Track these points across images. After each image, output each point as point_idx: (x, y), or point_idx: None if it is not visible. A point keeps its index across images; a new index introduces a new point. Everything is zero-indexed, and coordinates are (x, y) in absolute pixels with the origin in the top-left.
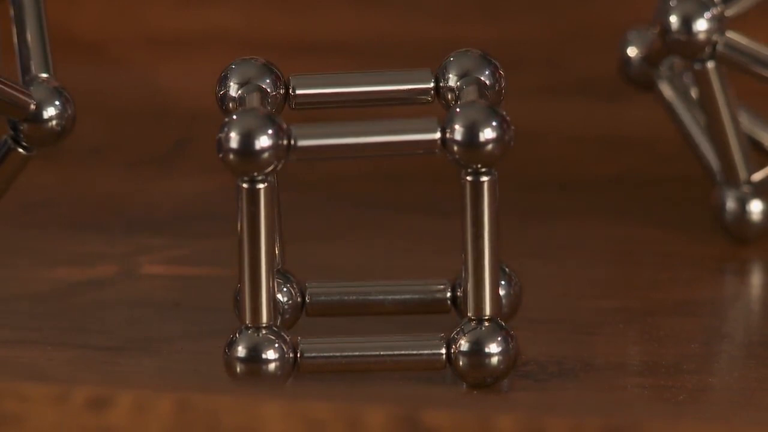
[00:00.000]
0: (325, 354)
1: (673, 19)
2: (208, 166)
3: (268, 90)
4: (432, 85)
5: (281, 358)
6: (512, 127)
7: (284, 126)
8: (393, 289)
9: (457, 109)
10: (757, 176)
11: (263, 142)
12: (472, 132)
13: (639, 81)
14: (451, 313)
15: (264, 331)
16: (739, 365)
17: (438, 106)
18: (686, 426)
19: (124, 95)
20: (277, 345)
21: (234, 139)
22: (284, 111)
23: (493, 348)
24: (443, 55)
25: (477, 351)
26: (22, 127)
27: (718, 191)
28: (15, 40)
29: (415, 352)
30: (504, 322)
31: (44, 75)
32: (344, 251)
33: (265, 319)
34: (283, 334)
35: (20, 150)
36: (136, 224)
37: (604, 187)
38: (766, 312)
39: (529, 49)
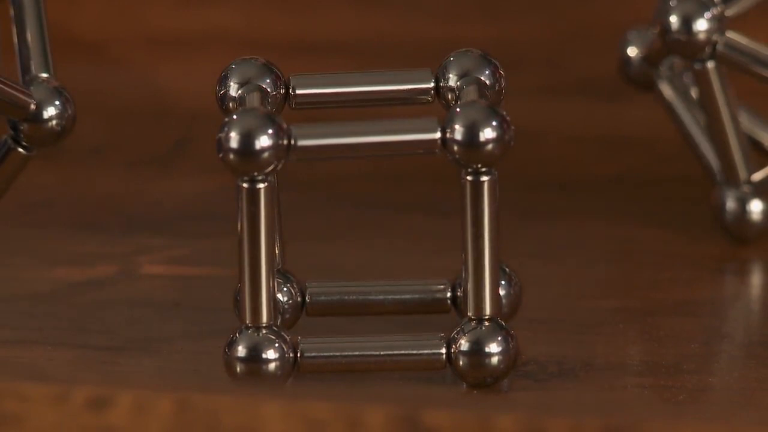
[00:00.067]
0: (325, 354)
1: (673, 19)
2: (208, 166)
3: (268, 90)
4: (432, 85)
5: (281, 358)
6: (512, 127)
7: (284, 126)
8: (393, 289)
9: (457, 109)
10: (757, 176)
11: (263, 142)
12: (472, 132)
13: (639, 81)
14: (451, 313)
15: (264, 331)
16: (739, 365)
17: (438, 106)
18: (686, 426)
19: (124, 95)
20: (277, 345)
21: (234, 139)
22: (284, 111)
23: (493, 348)
24: (443, 55)
25: (477, 351)
26: (22, 127)
27: (718, 191)
28: (15, 40)
29: (415, 352)
30: (504, 322)
31: (44, 75)
32: (344, 251)
33: (265, 319)
34: (283, 334)
35: (20, 150)
36: (136, 224)
37: (604, 187)
38: (766, 312)
39: (529, 49)
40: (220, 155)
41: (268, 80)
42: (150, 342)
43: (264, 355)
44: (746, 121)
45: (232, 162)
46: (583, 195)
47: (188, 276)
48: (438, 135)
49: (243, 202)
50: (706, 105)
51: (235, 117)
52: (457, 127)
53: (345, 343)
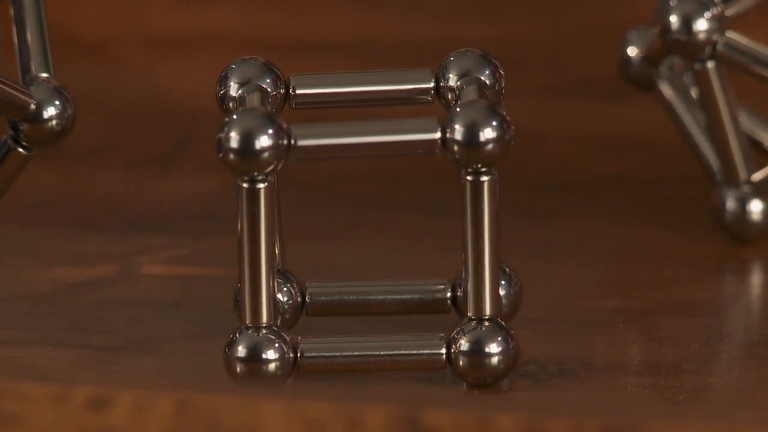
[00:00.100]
0: (325, 354)
1: (673, 19)
2: (208, 166)
3: (268, 90)
4: (432, 85)
5: (281, 358)
6: (512, 127)
7: (284, 126)
8: (393, 289)
9: (457, 109)
10: (757, 176)
11: (263, 141)
12: (472, 132)
13: (639, 81)
14: (451, 313)
15: (264, 331)
16: (739, 365)
17: (438, 106)
18: (686, 426)
19: (124, 95)
20: (277, 345)
21: (234, 139)
22: (284, 111)
23: (493, 348)
24: (443, 55)
25: (477, 351)
26: (22, 127)
27: (718, 191)
28: (15, 40)
29: (415, 352)
30: (504, 322)
31: (44, 75)
32: (344, 251)
33: (265, 319)
34: (283, 334)
35: (20, 150)
36: (136, 224)
37: (604, 187)
38: (766, 312)
39: (529, 49)
40: (220, 155)
41: (268, 80)
42: (150, 342)
43: (264, 355)
44: (746, 121)
45: (232, 162)
46: (583, 195)
47: (188, 276)
48: (438, 135)
49: (243, 202)
50: (706, 105)
51: (235, 117)
52: (457, 127)
53: (345, 343)
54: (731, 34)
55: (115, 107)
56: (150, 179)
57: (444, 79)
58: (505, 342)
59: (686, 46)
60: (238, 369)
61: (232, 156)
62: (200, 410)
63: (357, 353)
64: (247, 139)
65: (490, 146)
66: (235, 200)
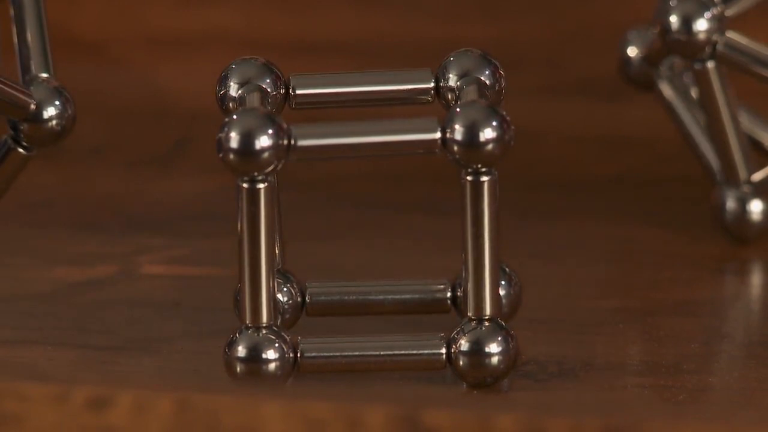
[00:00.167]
0: (325, 354)
1: (673, 19)
2: (208, 166)
3: (268, 90)
4: (432, 85)
5: (281, 358)
6: (512, 127)
7: (284, 126)
8: (393, 289)
9: (457, 109)
10: (757, 176)
11: (263, 141)
12: (472, 132)
13: (639, 81)
14: (451, 313)
15: (264, 331)
16: (739, 365)
17: (438, 106)
18: (686, 426)
19: (124, 95)
20: (277, 345)
21: (234, 139)
22: (284, 111)
23: (493, 348)
24: (443, 55)
25: (477, 351)
26: (22, 127)
27: (718, 191)
28: (15, 39)
29: (415, 352)
30: (504, 321)
31: (44, 75)
32: (344, 251)
33: (265, 319)
34: (283, 333)
35: (20, 150)
36: (136, 224)
37: (604, 187)
38: (766, 312)
39: (529, 49)
40: (220, 155)
41: (268, 80)
42: (150, 342)
43: (264, 355)
44: (746, 121)
45: (232, 162)
46: (583, 195)
47: (188, 276)
48: (438, 135)
49: (243, 202)
50: (706, 105)
51: (235, 117)
52: (457, 127)
53: (345, 343)
54: (731, 34)
55: (115, 107)
56: (150, 179)
57: (444, 79)
58: (505, 342)
59: (686, 46)
60: (238, 369)
61: (232, 156)
62: (200, 410)
63: (357, 353)
64: (247, 139)
65: (490, 146)
66: (235, 200)
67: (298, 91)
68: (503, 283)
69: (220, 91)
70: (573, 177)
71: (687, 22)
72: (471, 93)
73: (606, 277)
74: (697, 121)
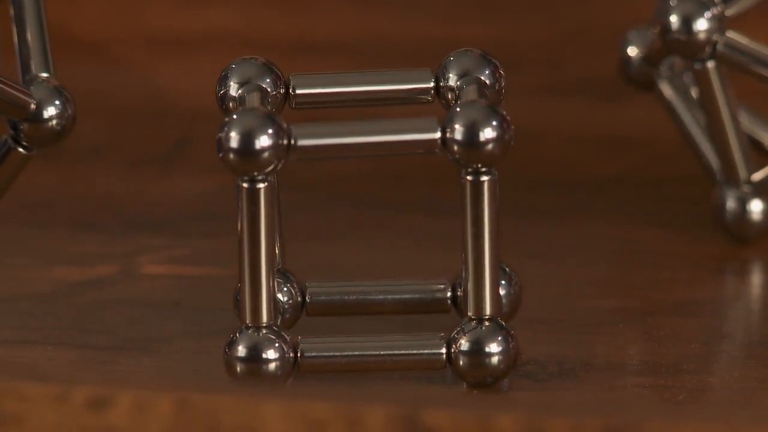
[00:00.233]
0: (325, 354)
1: (673, 19)
2: (208, 166)
3: (268, 90)
4: (432, 84)
5: (281, 358)
6: (512, 127)
7: (284, 126)
8: (393, 288)
9: (457, 109)
10: (757, 176)
11: (263, 141)
12: (472, 132)
13: (639, 81)
14: (451, 312)
15: (264, 331)
16: (739, 365)
17: (438, 106)
18: (686, 426)
19: (124, 95)
20: (277, 345)
21: (234, 139)
22: (284, 111)
23: (494, 348)
24: (443, 55)
25: (477, 351)
26: (22, 127)
27: (718, 191)
28: (15, 39)
29: (415, 351)
30: (504, 321)
31: (44, 74)
32: (344, 251)
33: (265, 318)
34: (283, 333)
35: (20, 150)
36: (136, 224)
37: (604, 187)
38: (766, 312)
39: (529, 49)
40: (220, 155)
41: (268, 80)
42: (150, 342)
43: (264, 355)
44: (746, 121)
45: (232, 162)
46: (583, 195)
47: (188, 276)
48: (438, 135)
49: (243, 202)
50: (706, 105)
51: (235, 117)
52: (457, 126)
53: (345, 343)
54: (731, 34)
55: (115, 107)
56: (150, 179)
57: (444, 79)
58: (505, 342)
59: (686, 46)
60: (238, 369)
61: (232, 156)
62: (200, 410)
63: (357, 353)
64: (247, 139)
65: (490, 146)
66: (235, 200)
67: (298, 91)
68: (503, 283)
69: (220, 90)
70: (573, 177)
71: (687, 22)
72: (471, 93)
73: (606, 277)
74: (697, 121)
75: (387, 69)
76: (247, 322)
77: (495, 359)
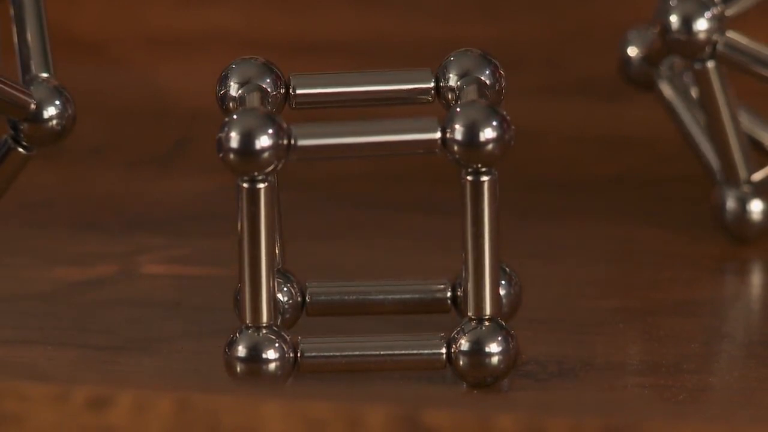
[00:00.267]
0: (325, 354)
1: (674, 19)
2: (208, 166)
3: (268, 90)
4: (432, 84)
5: (281, 358)
6: (512, 127)
7: (284, 126)
8: (393, 288)
9: (458, 109)
10: (757, 176)
11: (263, 141)
12: (472, 132)
13: (639, 81)
14: (451, 312)
15: (264, 331)
16: (739, 365)
17: (438, 106)
18: (686, 426)
19: (124, 95)
20: (277, 345)
21: (234, 139)
22: (284, 111)
23: (494, 348)
24: (443, 55)
25: (477, 351)
26: (22, 127)
27: (718, 191)
28: (15, 39)
29: (415, 351)
30: (504, 321)
31: (44, 74)
32: (344, 251)
33: (265, 318)
34: (283, 333)
35: (20, 150)
36: (136, 224)
37: (604, 187)
38: (766, 312)
39: (529, 49)
40: (220, 155)
41: (268, 80)
42: (150, 342)
43: (264, 355)
44: (746, 121)
45: (232, 162)
46: (583, 195)
47: (188, 276)
48: (438, 135)
49: (243, 202)
50: (706, 105)
51: (235, 117)
52: (457, 126)
53: (345, 343)
54: (731, 34)
55: (115, 107)
56: (150, 179)
57: (444, 79)
58: (505, 342)
59: (686, 46)
60: (238, 369)
61: (232, 156)
62: (200, 410)
63: (357, 353)
64: (247, 139)
65: (490, 146)
66: (235, 200)
67: (298, 91)
68: (503, 283)
69: (220, 90)
70: (573, 177)
71: (687, 22)
72: (471, 93)
73: (606, 277)
74: (697, 121)
75: (387, 69)
76: (247, 322)
77: (495, 359)
